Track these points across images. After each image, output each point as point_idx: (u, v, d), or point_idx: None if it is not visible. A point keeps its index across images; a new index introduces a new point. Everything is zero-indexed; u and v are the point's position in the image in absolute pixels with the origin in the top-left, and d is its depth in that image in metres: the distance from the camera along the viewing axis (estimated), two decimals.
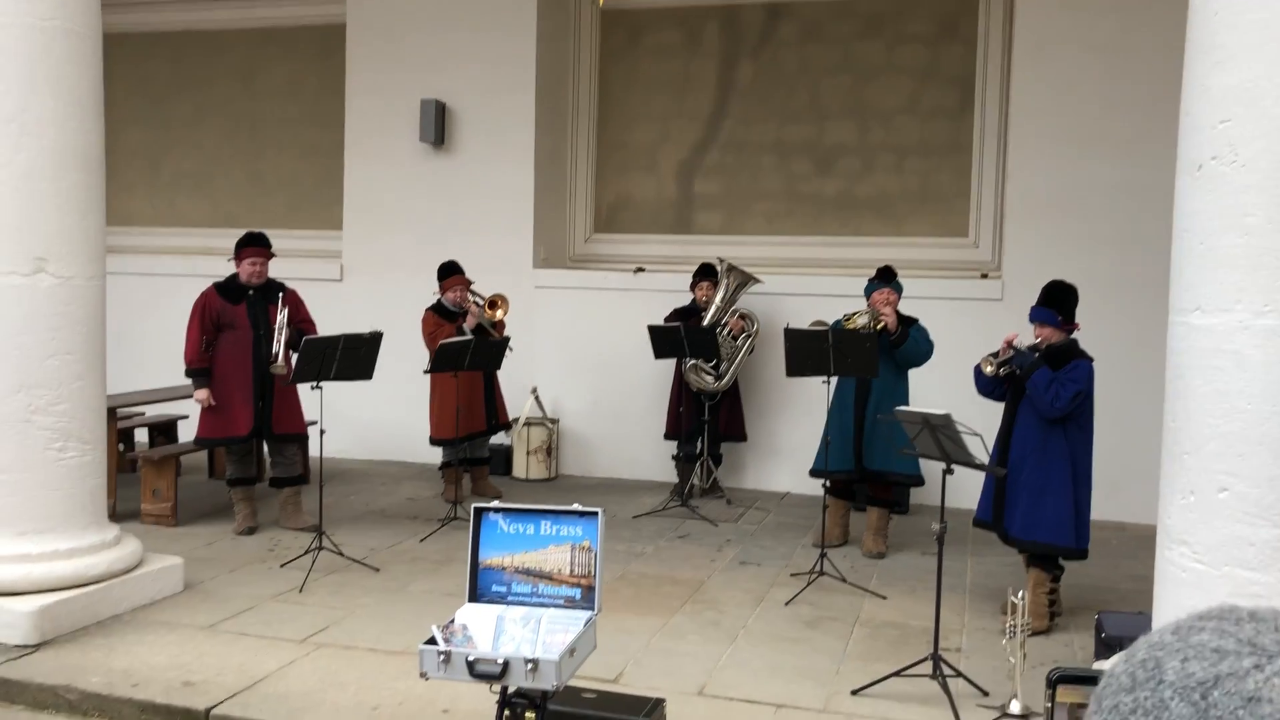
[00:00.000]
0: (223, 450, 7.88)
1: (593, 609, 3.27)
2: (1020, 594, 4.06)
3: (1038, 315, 5.07)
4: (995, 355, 5.04)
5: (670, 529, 6.95)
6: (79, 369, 4.94)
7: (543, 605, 3.32)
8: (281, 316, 6.22)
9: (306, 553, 5.82)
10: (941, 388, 7.62)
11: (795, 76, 8.79)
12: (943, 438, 4.05)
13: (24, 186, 4.72)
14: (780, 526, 7.18)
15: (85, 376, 4.98)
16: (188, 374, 6.33)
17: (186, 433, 8.29)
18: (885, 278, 6.44)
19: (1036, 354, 4.91)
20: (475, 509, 3.38)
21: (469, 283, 7.57)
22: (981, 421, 4.86)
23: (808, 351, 5.69)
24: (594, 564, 3.30)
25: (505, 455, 8.59)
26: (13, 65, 4.67)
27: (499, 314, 7.44)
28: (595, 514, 3.31)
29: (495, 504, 3.40)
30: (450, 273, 7.52)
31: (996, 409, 5.34)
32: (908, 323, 6.33)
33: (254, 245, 6.44)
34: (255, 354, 6.37)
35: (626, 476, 8.60)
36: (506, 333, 7.49)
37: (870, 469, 6.37)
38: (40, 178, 4.76)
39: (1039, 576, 5.12)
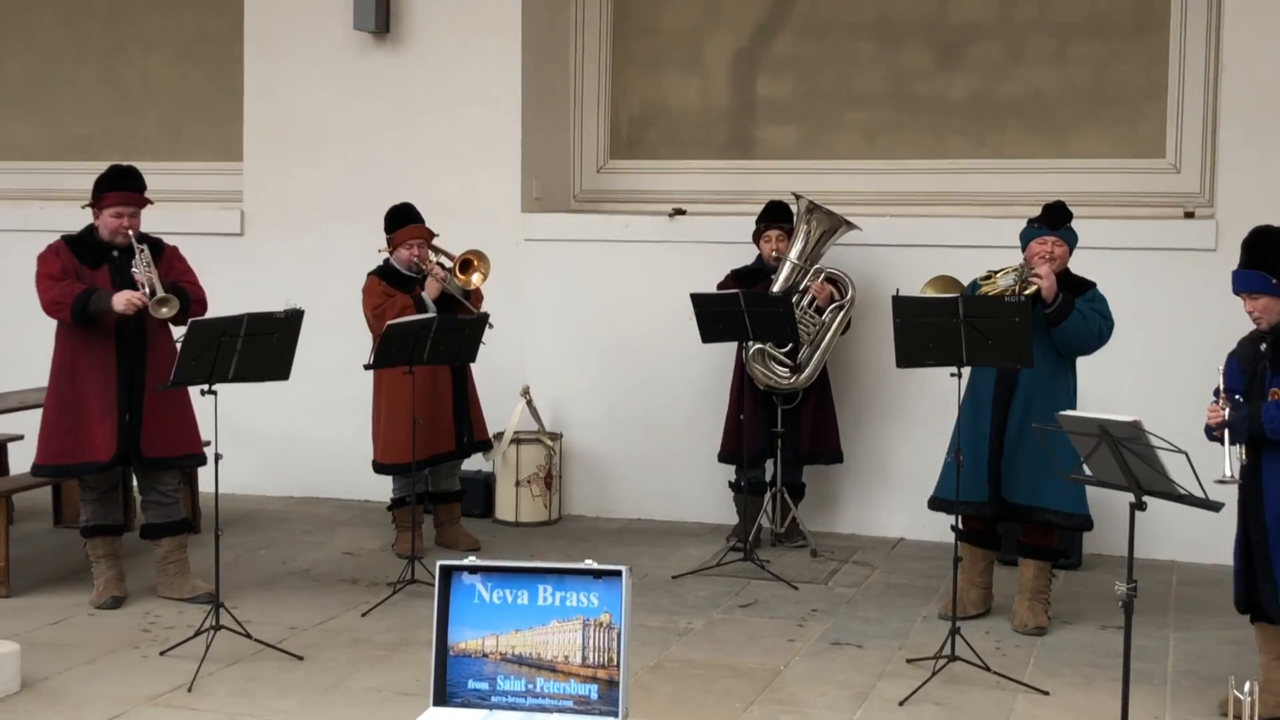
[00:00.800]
0: (74, 485, 7.97)
1: (616, 714, 3.28)
2: (1249, 685, 4.04)
3: (1244, 283, 5.04)
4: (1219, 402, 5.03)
5: (729, 594, 6.95)
6: None
7: (543, 710, 3.33)
8: (150, 272, 6.24)
9: (198, 633, 5.84)
10: (1129, 382, 7.61)
11: None
12: (1130, 456, 4.03)
13: None
14: (891, 589, 7.16)
15: None
16: (74, 317, 6.27)
17: (20, 460, 8.39)
18: (1052, 220, 6.40)
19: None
20: (442, 568, 3.39)
21: (431, 235, 7.57)
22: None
23: (928, 330, 5.64)
24: (617, 647, 3.30)
25: (484, 488, 8.61)
26: None
27: (474, 280, 7.45)
28: (618, 574, 3.31)
29: (470, 560, 3.41)
30: (403, 221, 7.53)
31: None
32: (1077, 289, 6.27)
33: (121, 187, 6.47)
34: (120, 345, 6.38)
35: (662, 517, 8.60)
36: (484, 308, 7.50)
37: (1013, 502, 6.33)
38: None
39: None
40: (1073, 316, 6.13)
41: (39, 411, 8.25)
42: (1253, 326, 5.21)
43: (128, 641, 6.11)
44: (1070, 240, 6.40)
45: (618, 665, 3.30)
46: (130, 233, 6.41)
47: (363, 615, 6.53)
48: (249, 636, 5.90)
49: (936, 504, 6.57)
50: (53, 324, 8.89)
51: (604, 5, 9.25)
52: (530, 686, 3.35)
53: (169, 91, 9.93)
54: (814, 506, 8.23)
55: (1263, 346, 5.05)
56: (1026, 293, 6.06)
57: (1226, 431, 4.87)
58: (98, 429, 6.40)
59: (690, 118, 9.22)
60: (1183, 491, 4.05)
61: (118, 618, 6.47)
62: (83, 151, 10.04)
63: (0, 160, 10.24)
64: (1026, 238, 6.40)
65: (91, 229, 6.56)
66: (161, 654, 5.88)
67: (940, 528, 7.36)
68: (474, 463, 8.30)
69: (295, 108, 9.15)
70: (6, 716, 5.17)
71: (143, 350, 6.43)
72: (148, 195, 6.60)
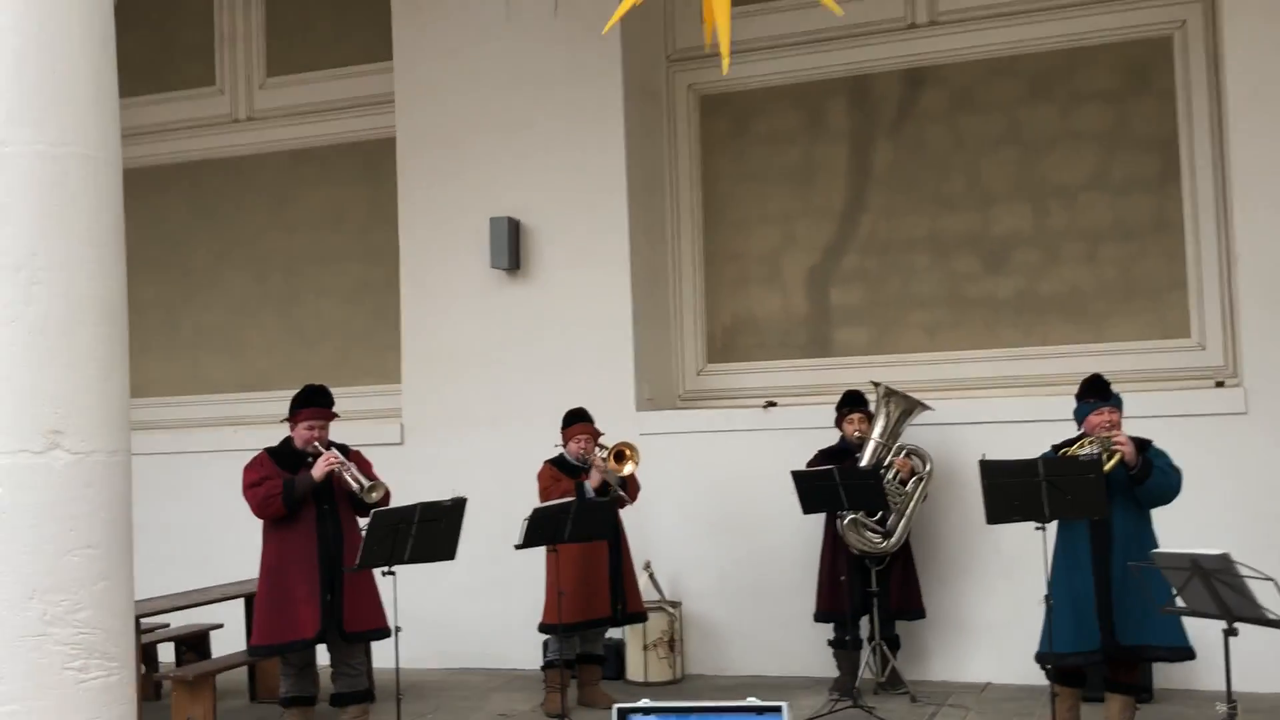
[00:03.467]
0: (268, 665, 7.86)
1: None
2: None
3: None
4: None
5: None
6: (102, 566, 4.91)
7: None
8: (351, 465, 6.32)
9: None
10: (1177, 535, 7.28)
11: (948, 154, 8.81)
12: (1220, 585, 3.79)
13: (35, 344, 4.79)
14: None
15: (110, 576, 4.94)
16: (286, 504, 6.28)
17: (221, 646, 8.30)
18: (1102, 393, 6.23)
19: None
20: (619, 710, 3.22)
21: (598, 433, 7.56)
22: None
23: (1014, 490, 5.46)
24: None
25: (616, 652, 8.37)
26: (21, 203, 4.80)
27: (628, 468, 7.38)
28: (779, 710, 3.13)
29: (644, 703, 3.24)
30: (575, 420, 7.58)
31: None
32: (1140, 447, 6.07)
33: (313, 404, 6.51)
34: (320, 535, 6.38)
35: (773, 672, 8.31)
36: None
37: (1126, 644, 5.99)
38: (53, 333, 4.85)
39: None
40: (1155, 472, 5.94)
41: (236, 603, 8.29)
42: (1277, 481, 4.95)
43: None
44: (1120, 407, 6.21)
45: None
46: (318, 442, 6.43)
47: None
48: None
49: (1047, 658, 6.09)
50: (245, 528, 8.98)
51: (695, 237, 9.34)
52: None
53: (338, 329, 10.08)
54: (906, 656, 7.90)
55: None
56: (1113, 461, 5.86)
57: None
58: (304, 611, 6.33)
59: (774, 325, 9.20)
60: (1272, 616, 3.78)
61: None
62: (266, 383, 10.17)
63: (200, 393, 10.39)
64: (1083, 413, 6.21)
65: (288, 440, 6.57)
66: None
67: (1023, 671, 7.04)
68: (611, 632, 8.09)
69: (443, 335, 9.23)
70: None
71: (340, 540, 6.41)
72: (336, 411, 6.62)
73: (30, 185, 4.84)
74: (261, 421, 9.65)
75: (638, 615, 7.73)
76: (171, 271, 10.42)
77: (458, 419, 9.12)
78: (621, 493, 7.37)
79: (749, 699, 3.17)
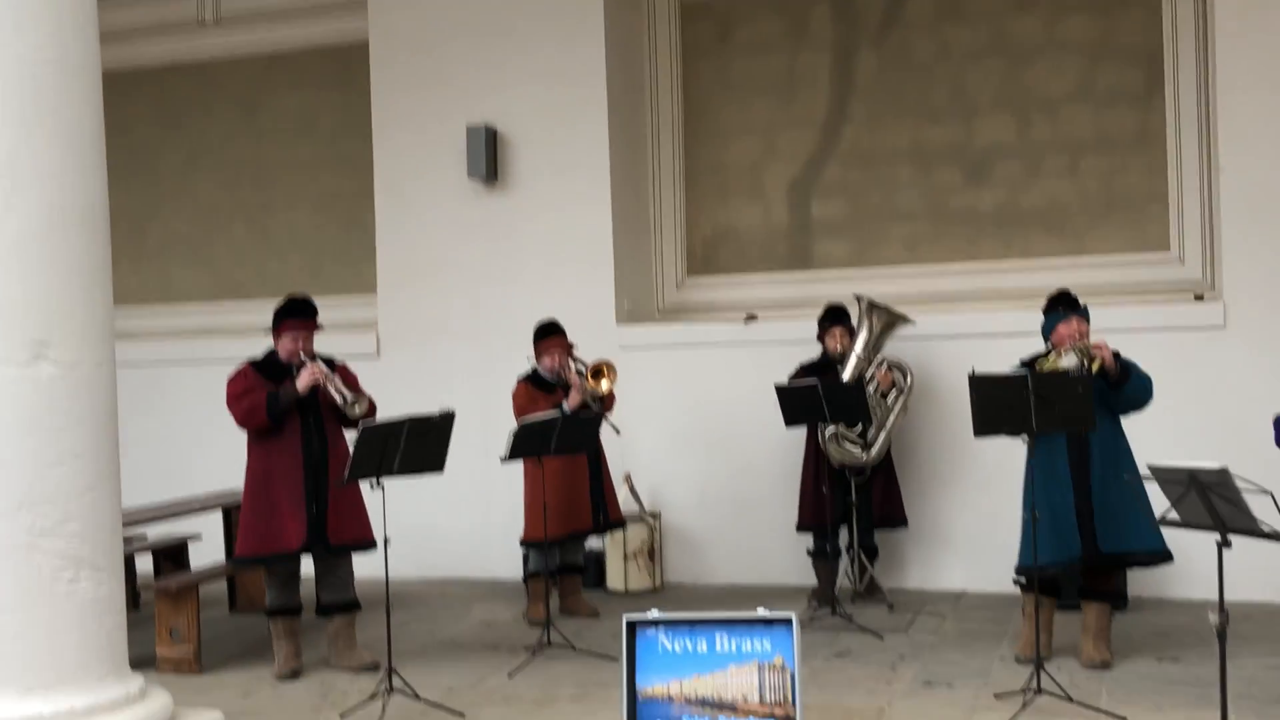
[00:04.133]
0: (249, 576, 7.88)
1: None
2: None
3: None
4: None
5: (824, 645, 6.74)
6: (90, 478, 4.91)
7: None
8: (335, 378, 6.29)
9: (373, 697, 5.70)
10: (1153, 449, 7.36)
11: (931, 65, 8.76)
12: (1218, 499, 3.85)
13: (17, 254, 4.73)
14: (965, 635, 6.94)
15: (98, 487, 4.94)
16: (270, 415, 6.26)
17: (200, 556, 8.31)
18: (1071, 304, 6.28)
19: None
20: (628, 622, 3.26)
21: (570, 346, 7.52)
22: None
23: (1002, 402, 5.50)
24: (791, 687, 3.15)
25: (596, 562, 8.45)
26: (1, 108, 4.72)
27: (604, 385, 7.36)
28: (789, 621, 3.17)
29: (654, 614, 3.27)
30: (548, 333, 7.51)
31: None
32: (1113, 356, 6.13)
33: (296, 315, 6.44)
34: (305, 447, 6.35)
35: (752, 581, 8.41)
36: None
37: (1108, 551, 6.10)
38: (35, 242, 4.78)
39: None
40: (1133, 379, 6.00)
41: (214, 514, 8.30)
42: (1267, 386, 5.03)
43: (310, 707, 5.96)
44: (1089, 318, 6.27)
45: (794, 703, 3.14)
46: (303, 353, 6.38)
47: (509, 676, 6.35)
48: (418, 697, 5.74)
49: (1024, 570, 6.21)
50: (219, 439, 8.93)
51: (677, 148, 9.27)
52: None
53: (311, 239, 9.97)
54: (884, 566, 8.03)
55: None
56: (1095, 368, 5.90)
57: None
58: (289, 522, 6.32)
59: (755, 237, 9.18)
60: (1267, 529, 3.85)
61: (298, 688, 6.32)
62: (237, 292, 10.10)
63: (169, 303, 10.28)
64: (1052, 324, 6.25)
65: (272, 352, 6.52)
66: (341, 716, 5.73)
67: (997, 580, 7.16)
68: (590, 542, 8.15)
69: (419, 246, 9.16)
70: None
71: (325, 452, 6.38)
72: (320, 322, 6.57)
73: (10, 91, 4.74)
74: (234, 332, 9.58)
75: (618, 523, 7.79)
76: (138, 180, 10.24)
77: (434, 331, 9.08)
78: (604, 411, 7.37)
79: (759, 610, 3.21)
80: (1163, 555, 6.13)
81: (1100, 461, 6.06)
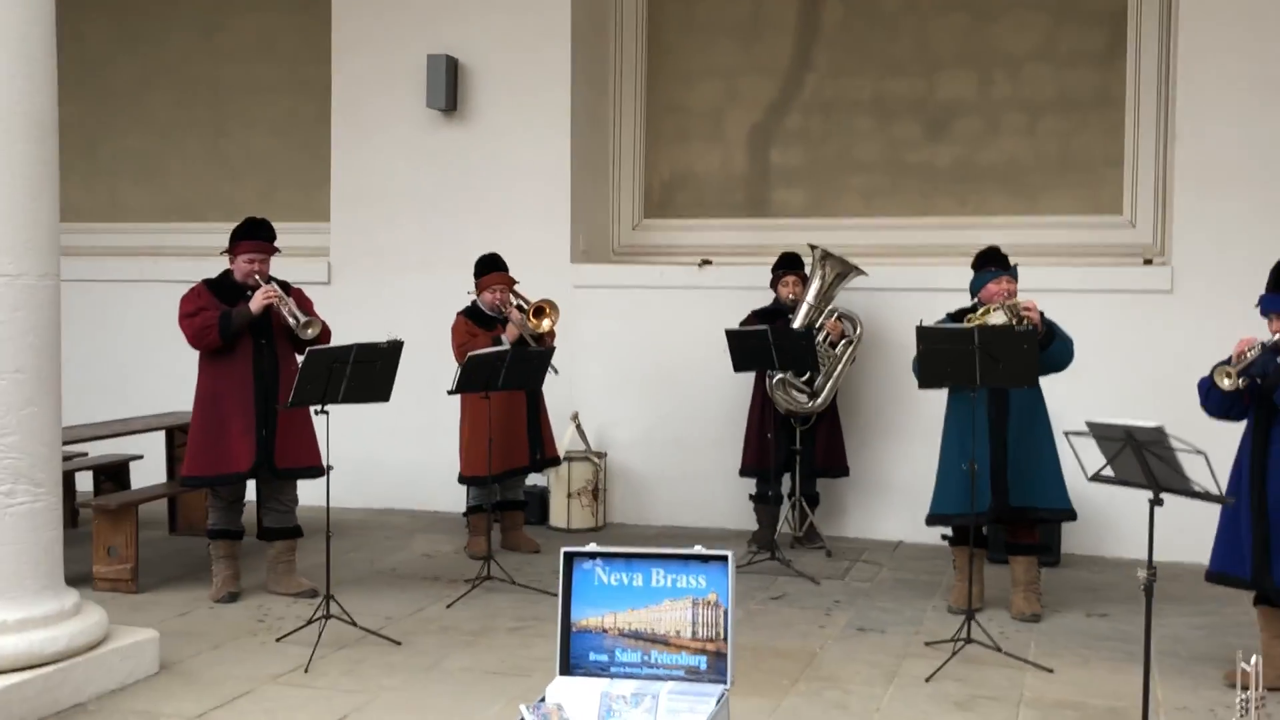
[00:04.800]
0: (190, 497, 7.84)
1: (725, 682, 3.15)
2: (1254, 659, 3.90)
3: (1273, 304, 4.96)
4: (1229, 363, 4.92)
5: (760, 589, 6.82)
6: (30, 392, 4.87)
7: (657, 678, 3.20)
8: (290, 300, 6.26)
9: (309, 623, 5.70)
10: (1096, 409, 7.46)
11: (897, 16, 8.74)
12: (1152, 458, 3.91)
13: None
14: (900, 584, 7.04)
15: (38, 401, 4.91)
16: (222, 335, 6.19)
17: (142, 476, 8.26)
18: (1002, 263, 6.35)
19: None
20: (565, 554, 3.28)
21: (512, 282, 7.48)
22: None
23: (949, 356, 5.54)
24: (724, 623, 3.18)
25: (540, 499, 8.48)
26: None
27: (545, 324, 7.33)
28: (724, 559, 3.20)
29: (592, 547, 3.29)
30: (490, 268, 7.46)
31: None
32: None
33: (254, 236, 6.38)
34: (256, 369, 6.30)
35: (693, 524, 8.47)
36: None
37: (1015, 505, 6.21)
38: None
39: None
40: (1057, 337, 6.06)
41: (156, 435, 8.23)
42: (1201, 357, 5.13)
43: (246, 630, 5.96)
44: (1017, 278, 6.34)
45: (725, 639, 3.17)
46: (259, 275, 6.32)
47: (447, 607, 6.38)
48: (355, 624, 5.75)
49: (935, 520, 6.39)
50: (164, 359, 8.86)
51: (639, 87, 9.21)
52: (646, 658, 3.23)
53: (265, 162, 9.84)
54: (824, 514, 8.11)
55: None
56: (1022, 326, 5.96)
57: (1249, 356, 4.83)
58: (238, 444, 6.28)
59: (713, 182, 9.16)
60: (1199, 489, 3.92)
61: (235, 610, 6.33)
62: (188, 214, 9.98)
63: (117, 221, 10.14)
64: (981, 281, 6.31)
65: (227, 273, 6.45)
66: (277, 640, 5.75)
67: (935, 531, 7.25)
68: (531, 477, 8.15)
69: (374, 174, 9.07)
70: (152, 694, 5.03)
71: (276, 376, 6.33)
72: (277, 245, 6.50)
73: None
74: (183, 253, 9.48)
75: (553, 460, 7.81)
76: (90, 93, 10.04)
77: (387, 260, 9.03)
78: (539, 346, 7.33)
79: (696, 547, 3.24)
80: (1065, 513, 6.32)
81: (1017, 419, 6.15)
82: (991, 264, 6.34)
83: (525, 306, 7.40)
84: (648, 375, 8.66)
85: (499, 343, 7.13)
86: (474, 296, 7.50)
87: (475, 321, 7.38)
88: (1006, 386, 5.91)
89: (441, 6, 8.86)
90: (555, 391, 8.12)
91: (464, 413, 7.42)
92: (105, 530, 6.69)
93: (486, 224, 8.69)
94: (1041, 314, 6.09)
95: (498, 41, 8.79)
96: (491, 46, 8.80)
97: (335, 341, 6.19)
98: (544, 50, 8.71)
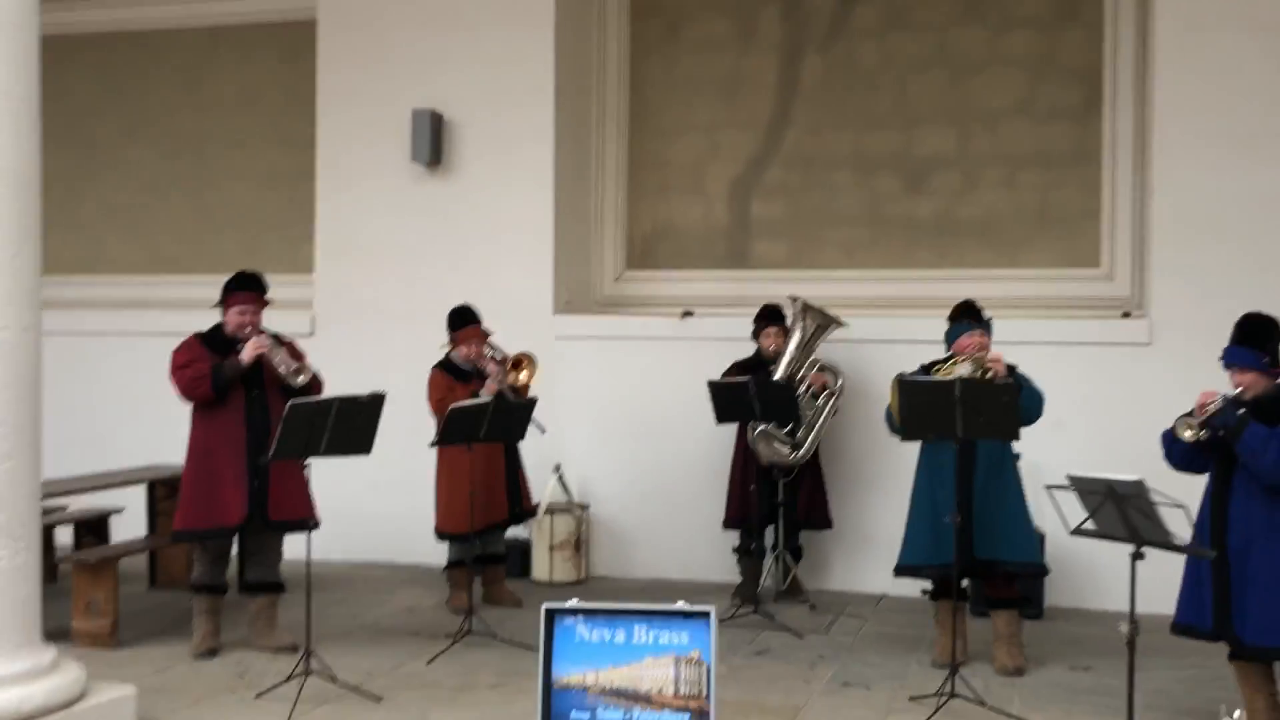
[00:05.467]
0: (170, 551, 7.77)
1: None
2: (1238, 713, 3.88)
3: (1236, 357, 4.97)
4: (1192, 415, 4.93)
5: (744, 643, 6.76)
6: (9, 445, 4.83)
7: None
8: (280, 349, 6.25)
9: (289, 678, 5.63)
10: (1075, 461, 7.48)
11: (876, 73, 8.81)
12: (1133, 512, 3.91)
13: None
14: (883, 638, 7.00)
15: (17, 455, 4.86)
16: (215, 387, 6.18)
17: (123, 530, 8.18)
18: (975, 316, 6.39)
19: (1241, 408, 4.78)
20: (546, 610, 3.24)
21: (486, 335, 7.45)
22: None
23: (930, 407, 5.54)
24: (707, 680, 3.15)
25: (521, 552, 8.42)
26: None
27: (523, 376, 7.31)
28: (706, 615, 3.17)
29: (573, 603, 3.26)
30: (464, 321, 7.43)
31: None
32: (1008, 371, 6.21)
33: (245, 288, 6.37)
34: (248, 421, 6.26)
35: (676, 577, 8.41)
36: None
37: (981, 558, 6.20)
38: None
39: (1261, 681, 4.95)
40: (1024, 391, 6.01)
41: (137, 488, 8.15)
42: (1183, 410, 5.11)
43: (225, 686, 5.89)
44: (991, 331, 6.37)
45: (708, 696, 3.14)
46: (250, 327, 6.30)
47: (428, 662, 6.31)
48: (335, 681, 5.69)
49: (903, 570, 6.43)
50: (147, 412, 8.82)
51: (620, 141, 9.26)
52: (629, 716, 3.19)
53: (250, 215, 9.84)
54: (807, 566, 8.06)
55: (1240, 411, 4.92)
56: (987, 377, 5.97)
57: (1211, 409, 4.84)
58: (230, 496, 6.23)
59: (695, 234, 9.20)
60: (1179, 542, 3.91)
61: (215, 666, 6.25)
62: (173, 266, 9.96)
63: (103, 273, 10.10)
64: (955, 334, 6.34)
65: (219, 326, 6.43)
66: (257, 697, 5.67)
67: (918, 584, 7.22)
68: (512, 530, 8.10)
69: (359, 227, 9.08)
70: None
71: (267, 427, 6.26)
72: (269, 297, 6.50)
73: None
74: (167, 305, 9.44)
75: (530, 513, 7.78)
76: (75, 146, 10.04)
77: (370, 313, 9.01)
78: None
79: (679, 603, 3.21)
80: (1035, 567, 6.33)
81: (984, 469, 6.16)
82: (965, 317, 6.37)
83: (501, 359, 7.38)
84: (630, 426, 8.64)
85: (475, 396, 7.10)
86: (448, 350, 7.46)
87: (451, 375, 7.35)
88: (989, 439, 5.90)
89: (426, 61, 8.91)
90: (536, 443, 8.08)
91: (440, 467, 7.37)
92: (85, 585, 6.62)
93: (470, 276, 8.68)
94: (1011, 367, 6.11)
95: (482, 96, 8.83)
96: (475, 101, 8.85)
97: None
98: (527, 105, 8.75)
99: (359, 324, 9.00)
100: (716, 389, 7.18)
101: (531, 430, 7.16)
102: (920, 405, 5.57)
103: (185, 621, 6.65)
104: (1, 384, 4.78)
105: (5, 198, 4.80)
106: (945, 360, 6.24)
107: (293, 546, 6.43)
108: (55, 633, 6.19)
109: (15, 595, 4.82)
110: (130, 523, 8.25)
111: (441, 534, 7.41)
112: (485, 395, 7.11)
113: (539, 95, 8.75)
